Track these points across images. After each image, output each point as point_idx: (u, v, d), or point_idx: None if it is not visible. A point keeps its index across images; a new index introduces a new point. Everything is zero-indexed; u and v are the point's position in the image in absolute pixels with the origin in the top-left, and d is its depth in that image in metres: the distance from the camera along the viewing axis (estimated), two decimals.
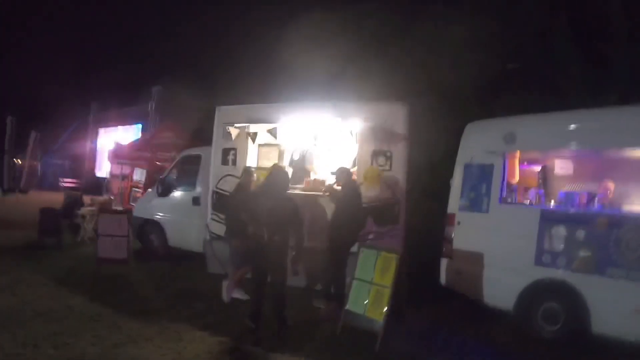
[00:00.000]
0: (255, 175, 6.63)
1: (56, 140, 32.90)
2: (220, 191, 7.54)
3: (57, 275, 7.00)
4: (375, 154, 6.63)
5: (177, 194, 8.69)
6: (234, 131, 7.37)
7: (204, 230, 7.80)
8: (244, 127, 7.36)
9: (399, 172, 6.52)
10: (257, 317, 4.94)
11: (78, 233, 10.13)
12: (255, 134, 7.36)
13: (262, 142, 7.84)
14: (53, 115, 31.49)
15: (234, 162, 7.55)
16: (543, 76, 9.11)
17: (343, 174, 6.27)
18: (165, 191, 8.70)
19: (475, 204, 6.00)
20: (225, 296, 6.14)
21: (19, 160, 17.70)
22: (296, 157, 8.00)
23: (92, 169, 27.34)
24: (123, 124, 24.41)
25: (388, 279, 5.03)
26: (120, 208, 11.85)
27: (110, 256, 7.26)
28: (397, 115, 6.54)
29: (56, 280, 6.74)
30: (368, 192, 6.39)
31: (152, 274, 7.55)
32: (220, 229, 7.23)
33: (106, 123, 26.92)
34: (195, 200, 8.32)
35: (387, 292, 4.97)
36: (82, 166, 30.43)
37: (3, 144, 15.14)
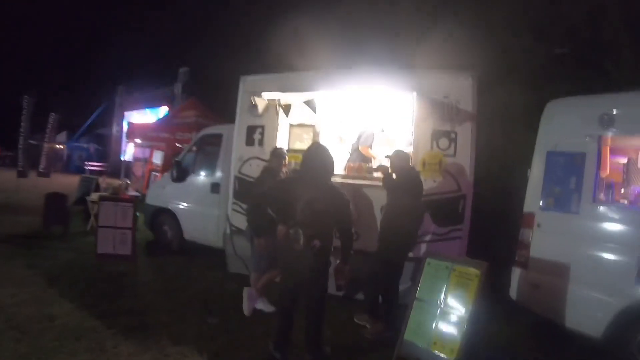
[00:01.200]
0: (287, 158, 5.31)
1: (82, 123, 32.69)
2: (244, 177, 6.30)
3: (50, 273, 5.90)
4: (436, 135, 5.36)
5: (194, 179, 7.46)
6: (261, 103, 6.05)
7: (224, 223, 6.62)
8: (274, 98, 6.02)
9: (464, 158, 5.26)
10: (283, 344, 3.72)
11: (89, 221, 9.09)
12: (288, 107, 6.00)
13: (295, 122, 6.56)
14: (77, 98, 31.23)
15: (261, 143, 6.27)
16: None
17: (399, 159, 4.91)
18: (181, 176, 7.48)
19: (560, 202, 4.66)
20: (246, 308, 4.90)
21: (39, 142, 16.85)
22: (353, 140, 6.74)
23: (118, 152, 26.82)
24: (149, 107, 23.64)
25: (465, 304, 3.73)
26: (136, 193, 10.83)
27: (112, 252, 6.13)
28: (462, 88, 5.24)
29: (47, 280, 5.63)
30: (426, 183, 5.12)
31: (160, 274, 6.36)
32: (242, 222, 6.03)
33: (132, 106, 26.30)
34: (215, 187, 7.08)
35: (463, 322, 3.65)
36: (108, 150, 30.11)
37: (20, 126, 14.23)
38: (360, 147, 6.56)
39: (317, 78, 5.96)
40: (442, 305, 3.84)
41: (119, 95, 28.83)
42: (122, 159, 23.55)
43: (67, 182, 16.65)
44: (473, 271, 3.80)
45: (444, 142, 5.33)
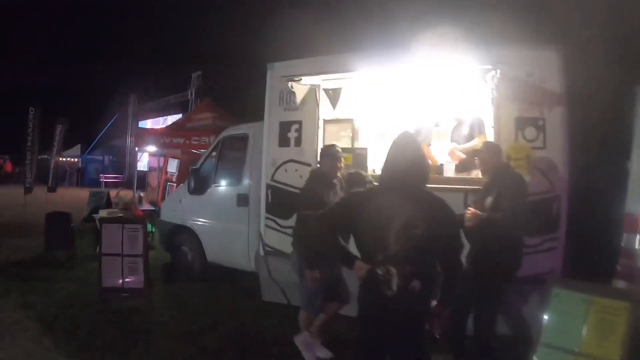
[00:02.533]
0: (342, 159, 4.08)
1: (96, 134, 32.05)
2: (278, 185, 5.11)
3: (46, 315, 4.77)
4: (521, 124, 4.33)
5: (215, 190, 6.25)
6: (300, 90, 4.84)
7: (256, 242, 5.44)
8: (314, 85, 4.84)
9: (556, 150, 4.25)
10: None
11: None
12: (336, 92, 4.76)
13: (328, 117, 5.32)
14: (89, 110, 30.61)
15: (298, 142, 5.07)
16: None
17: (490, 153, 3.74)
18: (200, 187, 6.30)
19: None
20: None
21: (49, 156, 16.02)
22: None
23: (134, 163, 25.96)
24: (164, 115, 22.71)
25: (612, 350, 2.63)
26: (151, 207, 9.72)
27: (120, 285, 4.97)
28: (547, 65, 4.25)
29: (42, 325, 4.50)
30: None
31: (181, 309, 5.15)
32: (279, 240, 4.99)
33: (147, 115, 25.46)
34: (242, 200, 5.84)
35: None
36: (123, 161, 29.31)
37: (27, 139, 13.30)
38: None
39: (368, 58, 4.71)
40: (580, 352, 2.72)
41: (132, 105, 27.99)
42: (138, 169, 22.65)
43: (78, 197, 15.69)
44: (620, 304, 2.73)
45: (530, 132, 4.29)
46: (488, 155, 3.77)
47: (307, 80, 4.80)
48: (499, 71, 4.11)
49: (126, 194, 10.97)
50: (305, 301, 3.88)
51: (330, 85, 4.79)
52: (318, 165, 4.20)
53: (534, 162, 4.17)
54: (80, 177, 30.56)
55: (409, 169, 2.43)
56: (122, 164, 29.44)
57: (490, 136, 4.59)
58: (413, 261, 2.25)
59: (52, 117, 15.79)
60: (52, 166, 15.08)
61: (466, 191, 4.30)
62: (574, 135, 4.36)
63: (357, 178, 4.25)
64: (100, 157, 32.61)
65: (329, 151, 3.99)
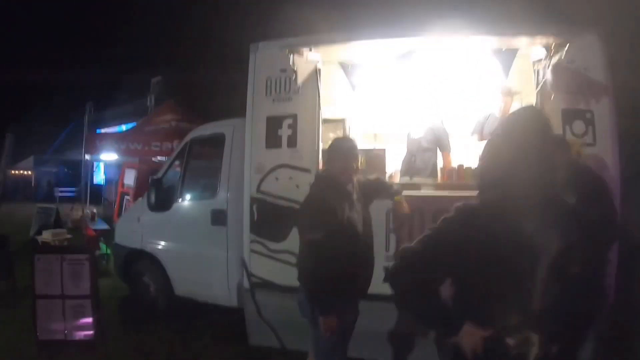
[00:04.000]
0: (359, 158, 3.03)
1: (49, 145, 29.84)
2: (267, 198, 3.93)
3: None
4: (568, 117, 3.75)
5: (183, 205, 4.99)
6: (303, 69, 3.79)
7: (238, 271, 4.29)
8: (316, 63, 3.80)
9: (607, 147, 3.71)
10: None
11: None
12: (358, 69, 3.77)
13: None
14: (41, 120, 28.54)
15: (293, 141, 3.93)
16: None
17: (558, 141, 2.90)
18: (163, 202, 5.01)
19: None
20: None
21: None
22: (418, 136, 4.86)
23: (90, 175, 24.03)
24: (122, 123, 21.01)
25: None
26: (106, 226, 8.27)
27: (63, 337, 3.67)
28: (589, 50, 3.71)
29: None
30: None
31: None
32: (269, 269, 3.94)
33: (104, 124, 23.62)
34: (218, 217, 4.59)
35: None
36: (80, 173, 27.20)
37: None
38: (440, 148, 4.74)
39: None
40: None
41: (88, 113, 26.07)
42: (93, 181, 20.87)
43: (30, 213, 13.84)
44: None
45: (579, 126, 3.73)
46: (553, 141, 2.84)
47: (316, 55, 3.68)
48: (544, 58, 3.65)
49: (75, 210, 9.48)
50: (320, 354, 2.79)
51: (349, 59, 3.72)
52: (325, 167, 3.11)
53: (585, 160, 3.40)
54: (34, 190, 28.25)
55: (539, 164, 1.46)
56: (78, 176, 27.36)
57: None
58: (557, 322, 1.37)
59: (2, 126, 14.13)
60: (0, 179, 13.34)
61: None
62: (624, 131, 3.79)
63: (378, 186, 3.22)
64: (54, 170, 30.32)
65: (343, 147, 2.91)
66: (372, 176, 3.26)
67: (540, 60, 3.82)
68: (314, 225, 2.64)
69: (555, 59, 3.68)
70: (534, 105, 2.89)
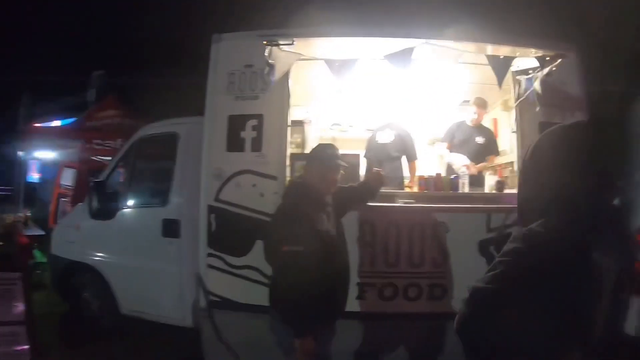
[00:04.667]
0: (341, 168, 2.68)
1: None
2: (227, 207, 3.49)
3: None
4: (545, 129, 3.08)
5: (129, 213, 4.43)
6: (282, 62, 3.38)
7: (193, 289, 3.79)
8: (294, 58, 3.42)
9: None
10: None
11: None
12: (347, 65, 3.39)
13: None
14: None
15: (257, 144, 3.51)
16: None
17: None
18: (106, 208, 4.42)
19: None
20: None
21: None
22: (384, 142, 4.78)
23: (25, 173, 22.19)
24: (60, 118, 19.53)
25: None
26: (41, 231, 7.42)
27: None
28: (565, 65, 3.63)
29: None
30: None
31: None
32: (230, 287, 3.51)
33: (41, 118, 21.87)
34: (170, 227, 4.08)
35: None
36: (14, 171, 25.10)
37: None
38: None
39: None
40: None
41: (24, 106, 24.13)
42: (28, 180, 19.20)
43: None
44: None
45: None
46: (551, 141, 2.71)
47: (295, 50, 3.30)
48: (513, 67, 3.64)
49: (9, 215, 8.48)
50: None
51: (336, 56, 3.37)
52: (302, 174, 2.82)
53: None
54: None
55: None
56: (12, 174, 25.27)
57: (512, 143, 4.05)
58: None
59: None
60: None
61: (489, 212, 3.52)
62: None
63: (352, 195, 2.95)
64: None
65: (324, 154, 2.68)
66: (346, 185, 2.94)
67: (524, 72, 3.74)
68: (291, 238, 2.38)
69: (538, 72, 3.59)
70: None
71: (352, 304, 3.29)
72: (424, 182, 3.93)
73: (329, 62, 3.28)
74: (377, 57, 3.32)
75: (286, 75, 3.50)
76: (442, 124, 5.51)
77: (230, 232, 3.47)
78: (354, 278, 3.24)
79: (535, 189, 1.41)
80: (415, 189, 4.09)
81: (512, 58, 3.51)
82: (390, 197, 3.62)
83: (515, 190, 3.86)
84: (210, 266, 3.54)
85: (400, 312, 3.44)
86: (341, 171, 2.70)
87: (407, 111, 5.23)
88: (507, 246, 1.39)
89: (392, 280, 3.44)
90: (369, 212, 3.38)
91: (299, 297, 2.31)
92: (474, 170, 4.23)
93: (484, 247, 3.58)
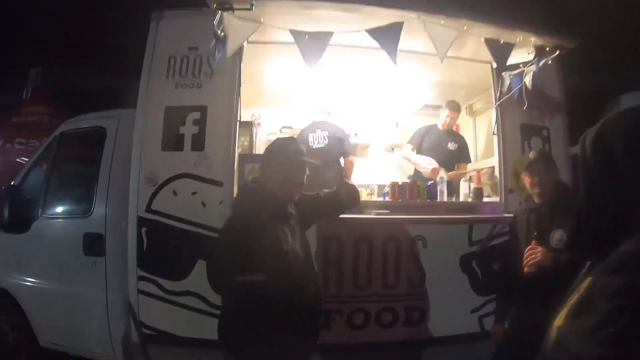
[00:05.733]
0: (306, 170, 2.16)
1: None
2: (162, 219, 2.86)
3: None
4: (527, 132, 3.60)
5: (46, 225, 3.63)
6: (236, 33, 2.66)
7: (122, 319, 3.12)
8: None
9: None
10: None
11: None
12: (322, 40, 2.72)
13: None
14: None
15: (199, 142, 2.91)
16: None
17: (550, 165, 2.62)
18: (19, 219, 3.63)
19: None
20: None
21: None
22: (317, 145, 4.25)
23: None
24: None
25: None
26: None
27: None
28: (547, 68, 3.36)
29: None
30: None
31: None
32: (167, 316, 2.89)
33: None
34: (92, 243, 3.30)
35: None
36: None
37: None
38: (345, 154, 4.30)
39: None
40: None
41: None
42: None
43: None
44: None
45: (536, 143, 3.56)
46: (548, 169, 2.55)
47: (260, 15, 2.67)
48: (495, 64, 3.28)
49: None
50: None
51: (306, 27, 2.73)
52: (258, 178, 2.19)
53: None
54: None
55: None
56: None
57: (493, 145, 3.68)
58: None
59: None
60: None
61: (471, 223, 3.19)
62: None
63: (319, 204, 2.37)
64: None
65: (286, 151, 2.12)
66: (310, 193, 2.36)
67: (511, 67, 3.40)
68: (248, 264, 1.84)
69: (532, 65, 3.25)
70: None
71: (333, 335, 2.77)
72: (397, 189, 3.41)
73: (296, 35, 2.63)
74: (358, 30, 2.72)
75: (238, 56, 2.89)
76: (403, 128, 5.28)
77: (165, 250, 2.84)
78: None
79: (611, 193, 1.00)
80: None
81: (512, 45, 3.04)
82: (360, 208, 3.08)
83: (494, 199, 3.52)
84: (142, 292, 2.88)
85: (373, 341, 2.92)
86: (307, 172, 2.13)
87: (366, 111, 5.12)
88: (607, 304, 0.88)
89: (363, 305, 2.89)
90: (334, 225, 2.82)
91: (258, 334, 1.83)
92: (444, 175, 3.78)
93: (466, 263, 3.14)
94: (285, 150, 2.12)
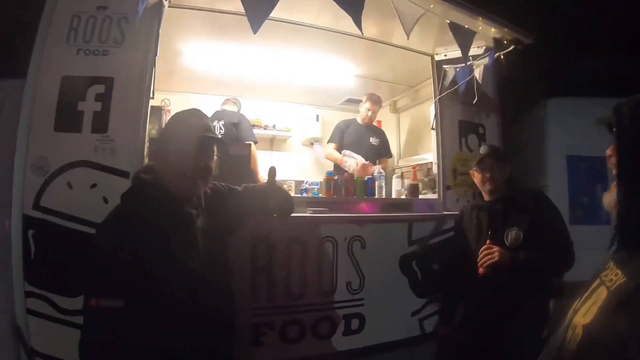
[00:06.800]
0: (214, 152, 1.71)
1: None
2: (53, 218, 2.27)
3: None
4: (464, 129, 3.57)
5: None
6: None
7: (9, 344, 2.39)
8: None
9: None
10: None
11: None
12: None
13: None
14: None
15: (102, 123, 2.34)
16: None
17: (503, 162, 2.57)
18: None
19: None
20: None
21: None
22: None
23: None
24: None
25: None
26: None
27: None
28: (487, 65, 3.24)
29: None
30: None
31: None
32: (60, 341, 2.22)
33: None
34: None
35: None
36: None
37: None
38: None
39: None
40: None
41: None
42: None
43: None
44: None
45: (473, 140, 3.57)
46: (501, 167, 2.47)
47: None
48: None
49: None
50: None
51: None
52: (149, 167, 1.70)
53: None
54: None
55: None
56: None
57: (431, 141, 3.58)
58: None
59: None
60: None
61: (410, 221, 3.02)
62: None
63: (246, 203, 1.96)
64: None
65: (184, 127, 1.63)
66: (228, 186, 1.96)
67: (455, 60, 3.34)
68: (106, 284, 1.38)
69: (483, 58, 3.16)
70: None
71: (246, 353, 2.39)
72: (333, 184, 3.13)
73: None
74: None
75: (157, 17, 2.42)
76: (324, 122, 5.22)
77: (58, 258, 2.28)
78: (247, 319, 2.34)
79: None
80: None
81: (474, 33, 2.87)
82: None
83: (432, 196, 3.39)
84: (32, 312, 2.30)
85: (311, 355, 2.61)
86: (216, 154, 1.69)
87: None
88: None
89: (298, 315, 2.57)
90: (262, 225, 2.45)
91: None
92: (371, 170, 3.61)
93: (405, 264, 2.96)
94: (182, 125, 1.62)
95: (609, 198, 1.05)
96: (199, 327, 1.47)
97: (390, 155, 4.49)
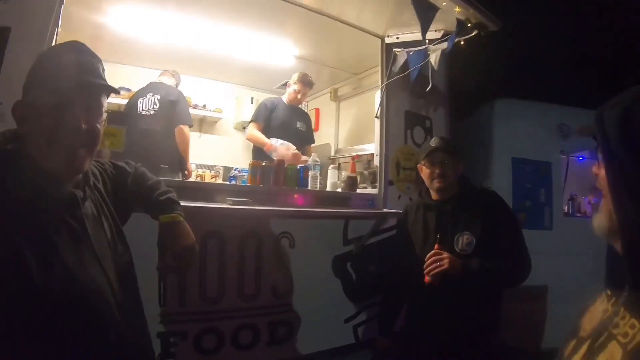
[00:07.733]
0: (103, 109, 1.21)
1: None
2: None
3: None
4: (411, 121, 3.35)
5: None
6: None
7: None
8: None
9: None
10: None
11: None
12: None
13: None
14: None
15: None
16: None
17: (457, 159, 2.23)
18: None
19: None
20: None
21: None
22: (146, 111, 3.60)
23: None
24: None
25: None
26: None
27: None
28: (434, 56, 2.98)
29: None
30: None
31: None
32: None
33: None
34: None
35: None
36: None
37: None
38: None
39: None
40: None
41: None
42: None
43: None
44: None
45: (419, 133, 3.38)
46: (454, 162, 2.17)
47: None
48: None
49: None
50: None
51: None
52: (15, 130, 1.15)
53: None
54: None
55: None
56: None
57: (374, 131, 3.29)
58: None
59: None
60: None
61: (347, 217, 2.75)
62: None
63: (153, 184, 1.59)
64: None
65: (53, 64, 1.13)
66: (128, 165, 1.56)
67: (409, 44, 3.09)
68: None
69: (442, 42, 2.88)
70: None
71: None
72: (260, 171, 2.78)
73: None
74: None
75: None
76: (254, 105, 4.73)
77: None
78: (154, 327, 1.97)
79: None
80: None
81: (437, 8, 2.59)
82: (208, 193, 2.41)
83: (372, 191, 3.13)
84: None
85: None
86: (105, 110, 1.21)
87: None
88: None
89: (215, 323, 2.22)
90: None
91: None
92: (302, 160, 3.32)
93: (339, 266, 2.67)
94: (54, 66, 1.13)
95: (603, 221, 0.78)
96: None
97: (314, 142, 4.08)
